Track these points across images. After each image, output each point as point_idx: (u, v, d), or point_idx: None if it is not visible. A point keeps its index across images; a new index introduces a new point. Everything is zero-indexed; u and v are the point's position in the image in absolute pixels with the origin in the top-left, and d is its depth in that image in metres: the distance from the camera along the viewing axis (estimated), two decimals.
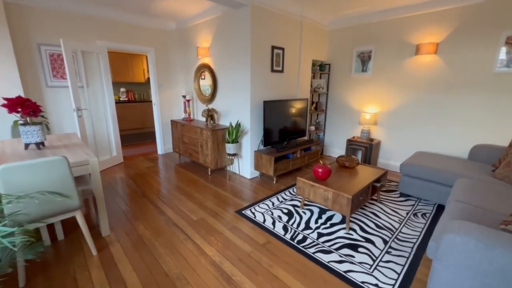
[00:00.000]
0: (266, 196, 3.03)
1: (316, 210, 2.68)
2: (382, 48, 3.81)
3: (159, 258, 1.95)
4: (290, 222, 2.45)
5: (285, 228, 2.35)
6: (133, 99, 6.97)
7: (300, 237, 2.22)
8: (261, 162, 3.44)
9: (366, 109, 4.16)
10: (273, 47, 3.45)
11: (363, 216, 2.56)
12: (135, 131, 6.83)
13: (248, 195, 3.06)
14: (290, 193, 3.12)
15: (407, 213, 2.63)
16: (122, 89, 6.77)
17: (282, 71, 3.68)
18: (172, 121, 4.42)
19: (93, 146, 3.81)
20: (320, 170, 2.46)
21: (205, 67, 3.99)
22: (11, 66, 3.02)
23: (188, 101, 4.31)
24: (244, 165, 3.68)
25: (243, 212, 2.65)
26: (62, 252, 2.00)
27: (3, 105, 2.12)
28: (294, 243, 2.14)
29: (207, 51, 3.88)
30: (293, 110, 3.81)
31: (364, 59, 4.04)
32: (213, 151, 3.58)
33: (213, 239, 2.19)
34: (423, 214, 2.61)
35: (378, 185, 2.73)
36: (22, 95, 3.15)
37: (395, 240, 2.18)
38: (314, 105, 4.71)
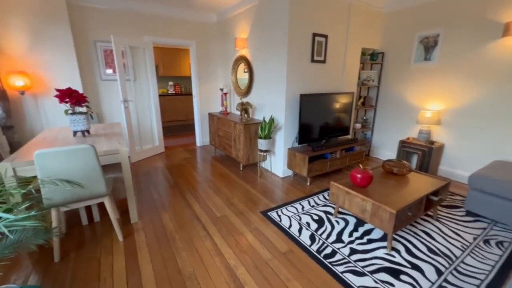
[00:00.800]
0: (297, 199, 2.78)
1: (352, 221, 2.33)
2: (454, 31, 3.09)
3: (176, 253, 1.92)
4: (319, 232, 2.17)
5: (312, 238, 2.09)
6: (179, 92, 7.36)
7: (328, 250, 1.94)
8: (294, 161, 3.18)
9: (427, 105, 3.48)
10: (315, 35, 3.11)
11: (412, 235, 2.11)
12: (180, 122, 7.21)
13: (277, 195, 2.86)
14: (325, 197, 2.81)
15: (475, 239, 2.07)
16: (171, 83, 7.19)
17: (324, 61, 3.31)
18: (209, 114, 4.46)
19: (137, 136, 4.09)
20: (358, 175, 2.10)
21: (242, 59, 3.86)
22: (72, 61, 3.39)
23: (225, 94, 4.28)
24: (277, 162, 3.47)
25: (268, 213, 2.47)
26: (96, 234, 2.14)
27: (56, 96, 2.35)
28: (320, 256, 1.87)
29: (244, 42, 3.74)
30: (336, 105, 3.41)
31: (429, 45, 3.36)
32: (245, 146, 3.47)
33: (232, 240, 2.07)
34: (499, 243, 2.02)
35: (436, 199, 2.22)
36: (80, 87, 3.52)
37: (454, 272, 1.72)
38: (362, 99, 4.17)
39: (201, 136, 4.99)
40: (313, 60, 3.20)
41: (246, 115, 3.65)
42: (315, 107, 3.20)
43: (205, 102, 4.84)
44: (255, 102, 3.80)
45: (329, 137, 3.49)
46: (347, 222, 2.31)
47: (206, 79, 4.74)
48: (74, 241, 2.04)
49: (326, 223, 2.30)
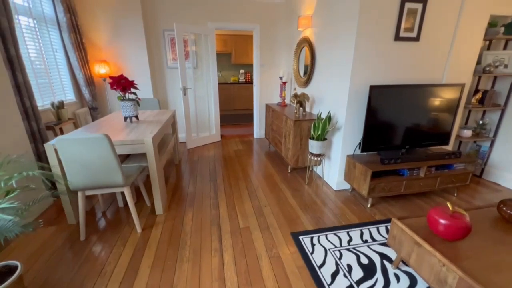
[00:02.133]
0: (346, 225, 2.11)
1: (422, 283, 1.53)
2: None
3: (179, 262, 1.71)
4: (363, 286, 1.51)
5: None
6: (249, 80, 7.27)
7: None
8: (353, 173, 2.44)
9: None
10: (404, 0, 2.18)
11: None
12: (243, 111, 7.15)
13: (320, 214, 2.26)
14: (388, 231, 2.02)
15: None
16: (242, 71, 7.17)
17: (416, 38, 2.32)
18: (266, 105, 4.09)
19: (194, 123, 4.17)
20: (442, 220, 1.29)
21: (305, 41, 3.24)
22: (142, 49, 3.66)
23: (284, 83, 3.77)
24: (332, 170, 2.79)
25: (300, 237, 1.94)
26: (123, 219, 2.20)
27: (110, 83, 2.49)
28: None
29: (309, 21, 3.09)
30: (430, 102, 2.39)
31: None
32: (294, 145, 2.94)
33: (243, 264, 1.70)
34: None
35: None
36: (148, 75, 3.79)
37: None
38: (479, 95, 2.84)
39: (259, 127, 4.70)
40: (398, 38, 2.28)
41: (301, 109, 3.08)
42: (392, 104, 2.31)
43: (265, 92, 4.48)
44: (314, 94, 3.15)
45: (411, 146, 2.52)
46: (413, 282, 1.53)
47: (268, 67, 4.34)
48: (103, 222, 2.15)
49: (378, 274, 1.59)
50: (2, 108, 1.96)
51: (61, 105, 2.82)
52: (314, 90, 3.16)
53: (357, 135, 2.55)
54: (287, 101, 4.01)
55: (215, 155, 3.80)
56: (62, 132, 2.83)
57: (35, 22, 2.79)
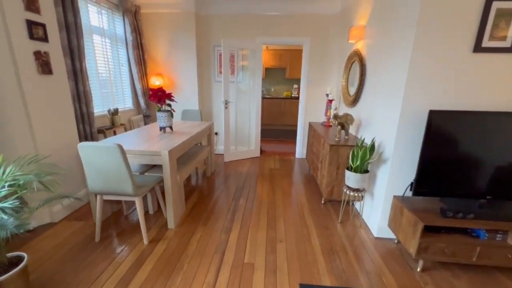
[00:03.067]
0: None
1: None
2: None
3: (168, 287, 1.57)
4: None
5: None
6: None
7: None
8: (399, 221, 1.88)
9: None
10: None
11: None
12: (292, 127, 6.82)
13: (347, 266, 1.80)
14: None
15: None
16: (295, 86, 6.95)
17: (511, 48, 1.68)
18: (310, 123, 3.74)
19: (234, 137, 4.13)
20: None
21: (356, 55, 2.82)
22: (193, 64, 3.89)
23: (330, 101, 3.37)
24: (374, 210, 2.25)
25: None
26: (137, 226, 2.23)
27: (150, 94, 2.66)
28: None
29: (362, 31, 2.68)
30: None
31: None
32: (329, 173, 2.52)
33: None
34: None
35: None
36: (196, 87, 3.99)
37: None
38: None
39: (302, 147, 4.35)
40: (479, 48, 1.69)
41: (343, 132, 2.65)
42: (467, 135, 1.70)
43: (311, 109, 4.13)
44: (361, 116, 2.68)
45: (496, 196, 1.79)
46: None
47: (317, 83, 4.01)
48: (120, 227, 2.22)
49: None
50: (60, 113, 2.28)
51: (115, 111, 3.18)
52: (361, 111, 2.69)
53: (409, 172, 1.98)
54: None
55: (248, 172, 3.64)
56: (115, 135, 3.18)
57: (108, 40, 3.28)
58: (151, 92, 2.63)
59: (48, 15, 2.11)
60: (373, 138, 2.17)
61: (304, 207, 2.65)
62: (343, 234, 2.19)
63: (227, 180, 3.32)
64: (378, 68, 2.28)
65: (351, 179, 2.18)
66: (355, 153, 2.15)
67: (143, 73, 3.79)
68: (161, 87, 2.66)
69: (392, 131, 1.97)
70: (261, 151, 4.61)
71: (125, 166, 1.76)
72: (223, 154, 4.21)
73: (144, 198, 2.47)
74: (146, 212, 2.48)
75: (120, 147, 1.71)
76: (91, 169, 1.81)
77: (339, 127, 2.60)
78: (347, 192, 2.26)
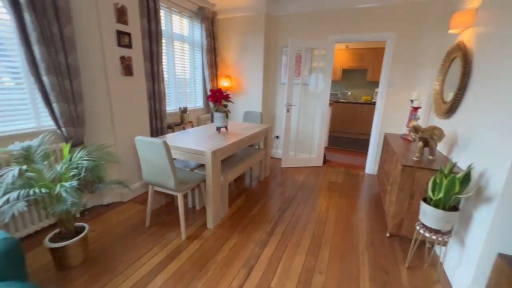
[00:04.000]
0: None
1: None
2: None
3: None
4: None
5: None
6: None
7: None
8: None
9: None
10: None
11: None
12: (367, 137, 5.89)
13: None
14: None
15: None
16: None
17: None
18: (385, 134, 3.10)
19: (294, 142, 3.88)
20: None
21: (458, 50, 2.10)
22: (259, 66, 3.87)
23: (415, 109, 2.67)
24: (462, 265, 1.60)
25: None
26: (179, 220, 2.34)
27: (209, 95, 2.77)
28: None
29: (470, 17, 1.97)
30: None
31: None
32: (398, 201, 1.97)
33: None
34: None
35: None
36: (261, 89, 3.96)
37: None
38: None
39: (374, 161, 3.68)
40: None
41: (427, 150, 2.03)
42: None
43: (389, 118, 3.43)
44: (458, 131, 1.97)
45: None
46: None
47: (400, 86, 3.29)
48: (169, 217, 2.38)
49: None
50: (136, 109, 2.64)
51: (185, 110, 3.49)
52: (459, 124, 1.98)
53: None
54: None
55: (304, 182, 3.33)
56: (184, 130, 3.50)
57: (187, 45, 3.64)
58: (210, 93, 2.74)
59: (134, 25, 2.47)
60: (470, 165, 1.53)
61: (361, 236, 2.18)
62: (408, 285, 1.65)
63: (279, 188, 3.13)
64: (493, 66, 1.60)
65: (428, 215, 1.62)
66: (438, 180, 1.57)
67: (214, 75, 4.03)
68: (220, 88, 2.72)
69: (507, 159, 1.32)
70: (325, 160, 4.17)
71: (169, 161, 1.85)
72: (281, 159, 4.03)
73: (193, 192, 2.58)
74: (193, 207, 2.59)
75: (165, 143, 1.80)
76: (144, 161, 1.99)
77: (420, 143, 2.00)
78: (421, 231, 1.69)
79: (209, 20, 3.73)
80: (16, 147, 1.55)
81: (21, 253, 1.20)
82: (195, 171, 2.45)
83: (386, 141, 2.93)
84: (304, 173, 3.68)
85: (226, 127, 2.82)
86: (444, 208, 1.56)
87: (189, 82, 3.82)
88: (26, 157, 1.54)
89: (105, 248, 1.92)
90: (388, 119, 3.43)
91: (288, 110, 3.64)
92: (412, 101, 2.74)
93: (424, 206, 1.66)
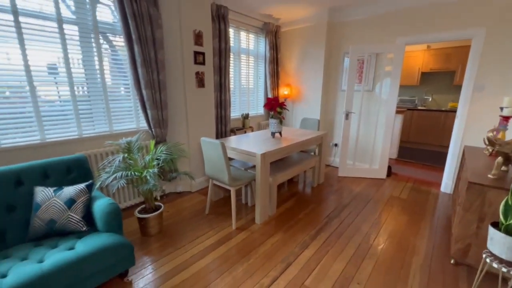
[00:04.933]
0: None
1: None
2: None
3: (226, 273, 1.80)
4: None
5: None
6: None
7: None
8: None
9: None
10: None
11: None
12: (446, 149, 4.93)
13: None
14: None
15: None
16: None
17: None
18: (465, 147, 2.66)
19: (353, 150, 3.72)
20: None
21: None
22: (319, 74, 3.92)
23: (506, 118, 2.21)
24: None
25: None
26: (236, 211, 2.65)
27: (265, 104, 3.03)
28: None
29: None
30: None
31: None
32: (463, 224, 1.71)
33: None
34: None
35: None
36: (320, 97, 3.99)
37: None
38: None
39: (451, 178, 3.17)
40: None
41: (507, 167, 1.70)
42: None
43: (473, 128, 2.90)
44: None
45: None
46: None
47: (489, 91, 2.75)
48: (225, 209, 2.73)
49: None
50: (205, 115, 3.14)
51: (246, 116, 3.87)
52: None
53: None
54: None
55: (361, 193, 3.17)
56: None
57: (252, 58, 4.05)
58: (266, 101, 2.99)
59: (207, 45, 2.98)
60: None
61: (417, 257, 1.97)
62: None
63: (331, 195, 3.09)
64: None
65: (497, 242, 1.38)
66: (510, 203, 1.33)
67: (275, 84, 4.30)
68: (277, 97, 2.96)
69: None
70: (390, 173, 3.81)
71: (224, 159, 2.17)
72: (337, 167, 3.91)
73: (246, 190, 2.87)
74: (246, 203, 2.87)
75: (222, 144, 2.14)
76: (206, 158, 2.39)
77: (500, 158, 1.69)
78: (488, 260, 1.44)
79: (273, 34, 4.03)
80: (123, 141, 2.17)
81: (120, 216, 1.70)
82: (249, 170, 2.73)
83: (464, 155, 2.51)
84: (362, 184, 3.48)
85: (280, 133, 3.02)
86: None
87: (252, 91, 4.20)
88: (128, 148, 2.12)
89: (174, 225, 2.39)
90: (470, 130, 2.91)
91: (347, 117, 3.54)
92: (501, 108, 2.28)
93: (492, 231, 1.42)
